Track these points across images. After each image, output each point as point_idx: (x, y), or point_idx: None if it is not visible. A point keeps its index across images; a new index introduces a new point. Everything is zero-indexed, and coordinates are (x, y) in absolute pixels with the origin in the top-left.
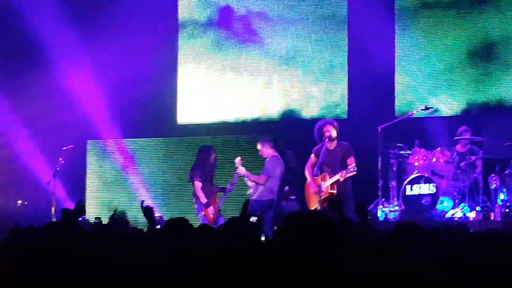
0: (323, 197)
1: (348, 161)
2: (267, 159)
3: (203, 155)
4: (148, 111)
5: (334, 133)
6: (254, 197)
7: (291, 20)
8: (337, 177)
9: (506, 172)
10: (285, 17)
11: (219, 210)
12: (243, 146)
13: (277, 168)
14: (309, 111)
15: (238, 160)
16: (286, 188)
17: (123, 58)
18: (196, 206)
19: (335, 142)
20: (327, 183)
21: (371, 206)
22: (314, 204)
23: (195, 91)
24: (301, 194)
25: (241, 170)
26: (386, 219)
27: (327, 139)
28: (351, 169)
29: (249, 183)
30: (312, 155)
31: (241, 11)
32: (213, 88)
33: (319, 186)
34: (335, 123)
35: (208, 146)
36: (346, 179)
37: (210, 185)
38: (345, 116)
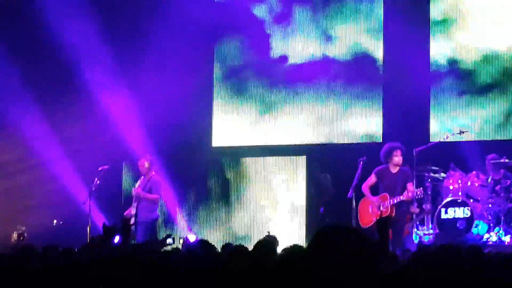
0: (380, 216)
1: (408, 186)
2: (153, 177)
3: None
4: (182, 133)
5: (401, 159)
6: (143, 219)
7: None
8: (404, 197)
9: None
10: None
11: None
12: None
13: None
14: (343, 136)
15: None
16: (321, 209)
17: (159, 81)
18: None
19: (398, 167)
20: (388, 204)
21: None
22: (369, 222)
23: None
24: (336, 216)
25: (137, 191)
26: (420, 242)
27: (394, 163)
28: (419, 193)
29: (134, 204)
30: (373, 175)
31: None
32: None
33: (379, 206)
34: (403, 148)
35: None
36: (402, 203)
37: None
38: (380, 139)
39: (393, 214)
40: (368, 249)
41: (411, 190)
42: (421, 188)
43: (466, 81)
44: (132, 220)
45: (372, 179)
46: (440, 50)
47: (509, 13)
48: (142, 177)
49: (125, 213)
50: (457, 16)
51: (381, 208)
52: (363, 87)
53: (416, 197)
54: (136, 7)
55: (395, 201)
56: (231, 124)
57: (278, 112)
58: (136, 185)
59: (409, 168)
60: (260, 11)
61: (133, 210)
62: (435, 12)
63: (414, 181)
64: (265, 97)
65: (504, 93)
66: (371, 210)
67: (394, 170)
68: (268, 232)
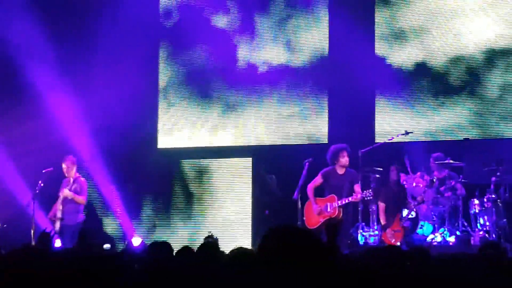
0: (327, 217)
1: (355, 187)
2: (79, 179)
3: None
4: (128, 135)
5: (347, 160)
6: (68, 222)
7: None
8: (353, 199)
9: (485, 197)
10: (268, 43)
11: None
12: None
13: None
14: (289, 137)
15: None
16: (266, 211)
17: (104, 82)
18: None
19: (345, 168)
20: (336, 205)
21: (351, 230)
22: (315, 224)
23: (176, 115)
24: (282, 217)
25: (66, 192)
26: (366, 243)
27: (340, 164)
28: (368, 194)
29: (60, 206)
30: (320, 176)
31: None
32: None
33: (326, 206)
34: (349, 150)
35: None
36: (349, 204)
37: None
38: (325, 141)
39: (340, 216)
40: (318, 249)
41: (359, 191)
42: (370, 190)
43: (411, 82)
44: (58, 224)
45: (319, 180)
46: (385, 52)
47: (448, 14)
48: (66, 179)
49: (48, 216)
50: (402, 19)
51: (328, 209)
52: (309, 89)
53: (366, 198)
54: (83, 7)
55: (343, 203)
56: (177, 126)
57: (224, 114)
58: (62, 187)
59: (356, 171)
60: (210, 15)
61: (58, 213)
62: (380, 14)
63: (360, 182)
64: (211, 99)
65: (449, 94)
66: (317, 211)
67: (341, 171)
68: (209, 233)
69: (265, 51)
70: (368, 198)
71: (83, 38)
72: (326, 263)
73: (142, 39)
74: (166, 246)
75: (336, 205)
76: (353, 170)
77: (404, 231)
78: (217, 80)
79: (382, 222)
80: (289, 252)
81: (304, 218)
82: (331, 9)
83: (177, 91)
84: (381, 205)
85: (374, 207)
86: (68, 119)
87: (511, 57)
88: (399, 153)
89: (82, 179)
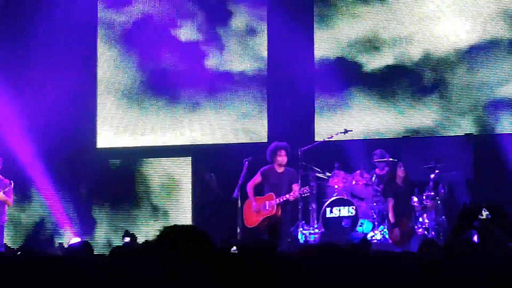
0: (266, 216)
1: (293, 186)
2: (4, 180)
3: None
4: (66, 134)
5: (285, 159)
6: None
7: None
8: (290, 197)
9: (424, 194)
10: (208, 38)
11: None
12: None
13: None
14: (229, 136)
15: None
16: (207, 210)
17: (41, 81)
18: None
19: (284, 167)
20: (274, 203)
21: (292, 228)
22: (254, 222)
23: (115, 115)
24: (223, 216)
25: (1, 195)
26: (306, 241)
27: (278, 163)
28: (305, 191)
29: None
30: (259, 175)
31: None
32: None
33: (264, 205)
34: (288, 148)
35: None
36: (288, 202)
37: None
38: (265, 140)
39: (279, 214)
40: (208, 248)
41: (297, 189)
42: (307, 186)
43: (352, 79)
44: None
45: (257, 178)
46: (324, 50)
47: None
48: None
49: None
50: (340, 19)
51: (267, 207)
52: (248, 89)
53: (303, 195)
54: (19, 6)
55: (280, 201)
56: (117, 126)
57: (163, 113)
58: None
59: (295, 170)
60: (148, 14)
61: None
62: (319, 12)
63: (300, 181)
64: (150, 98)
65: (387, 93)
66: (256, 210)
67: (280, 169)
68: (126, 231)
69: (204, 51)
70: (305, 195)
71: (20, 37)
72: (217, 265)
73: (80, 38)
74: (86, 245)
75: (274, 203)
76: (292, 168)
77: (411, 232)
78: (157, 80)
79: (391, 220)
80: (178, 252)
81: (244, 217)
82: (270, 10)
83: (116, 91)
84: (390, 201)
85: (314, 206)
86: (3, 118)
87: (450, 57)
88: (340, 152)
89: (7, 180)
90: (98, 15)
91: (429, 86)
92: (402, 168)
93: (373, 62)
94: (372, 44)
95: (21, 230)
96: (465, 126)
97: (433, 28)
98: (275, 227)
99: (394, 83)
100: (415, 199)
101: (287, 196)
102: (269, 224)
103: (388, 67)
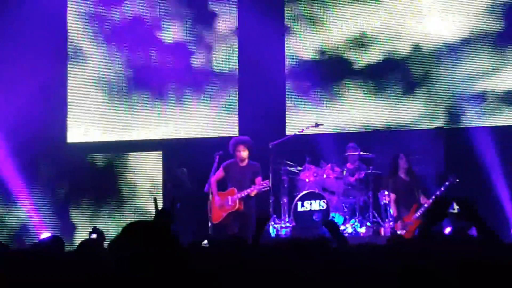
0: (229, 211)
1: (256, 180)
2: None
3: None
4: (35, 129)
5: (245, 154)
6: None
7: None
8: (250, 191)
9: None
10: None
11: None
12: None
13: None
14: (199, 130)
15: None
16: (178, 205)
17: (10, 75)
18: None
19: (246, 160)
20: (235, 198)
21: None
22: (218, 218)
23: (85, 109)
24: (194, 210)
25: None
26: (277, 235)
27: (238, 158)
28: (265, 185)
29: None
30: (221, 169)
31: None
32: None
33: (227, 200)
34: (249, 143)
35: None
36: (251, 197)
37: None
38: (236, 133)
39: (242, 208)
40: (170, 245)
41: (258, 183)
42: (267, 180)
43: (322, 73)
44: None
45: (220, 173)
46: (295, 45)
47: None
48: None
49: None
50: (311, 12)
51: (229, 202)
52: (219, 83)
53: (263, 189)
54: None
55: (242, 195)
56: (87, 120)
57: (133, 108)
58: None
59: (259, 164)
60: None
61: None
62: (290, 9)
63: (271, 175)
64: (121, 93)
65: (358, 87)
66: (219, 205)
67: (242, 163)
68: (93, 228)
69: (175, 47)
70: (265, 189)
71: None
72: (177, 264)
73: (50, 33)
74: (56, 240)
75: (236, 198)
76: (255, 162)
77: (418, 223)
78: (127, 75)
79: (394, 213)
80: (138, 248)
81: (210, 213)
82: (241, 3)
83: (87, 86)
84: (392, 196)
85: (285, 200)
86: None
87: (418, 51)
88: (311, 146)
89: None
90: (68, 6)
91: (398, 80)
92: (404, 159)
93: (343, 56)
94: (346, 39)
95: None
96: (436, 120)
97: (396, 26)
98: (261, 222)
99: (366, 78)
100: (386, 192)
101: (248, 190)
102: (257, 220)
103: (359, 61)
